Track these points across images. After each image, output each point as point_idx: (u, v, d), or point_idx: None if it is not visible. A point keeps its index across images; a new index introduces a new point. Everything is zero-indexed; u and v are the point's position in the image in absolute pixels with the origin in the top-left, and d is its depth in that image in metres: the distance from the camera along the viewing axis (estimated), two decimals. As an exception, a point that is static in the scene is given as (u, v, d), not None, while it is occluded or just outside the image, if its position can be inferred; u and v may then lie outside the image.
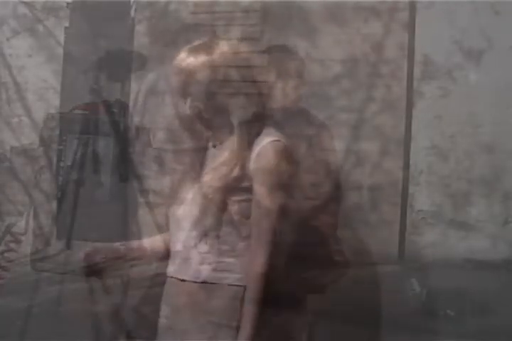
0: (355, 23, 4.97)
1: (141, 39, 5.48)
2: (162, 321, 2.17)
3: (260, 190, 2.01)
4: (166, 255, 2.21)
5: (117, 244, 2.32)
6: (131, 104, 5.41)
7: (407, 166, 4.93)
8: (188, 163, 2.12)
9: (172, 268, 2.13)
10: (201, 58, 2.06)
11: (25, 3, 5.71)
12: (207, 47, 2.08)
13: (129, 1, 5.60)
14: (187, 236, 2.07)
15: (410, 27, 4.89)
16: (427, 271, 4.49)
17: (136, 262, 2.31)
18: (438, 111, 4.91)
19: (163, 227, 2.33)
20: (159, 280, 2.28)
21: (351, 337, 3.65)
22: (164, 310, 2.17)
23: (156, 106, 5.45)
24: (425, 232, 4.92)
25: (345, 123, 4.91)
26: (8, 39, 5.85)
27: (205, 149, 2.11)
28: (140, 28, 5.54)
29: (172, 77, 2.14)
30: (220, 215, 2.02)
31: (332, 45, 4.98)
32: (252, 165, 2.02)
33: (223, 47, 2.09)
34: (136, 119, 5.44)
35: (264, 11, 5.01)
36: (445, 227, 4.87)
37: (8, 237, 5.79)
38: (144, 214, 4.34)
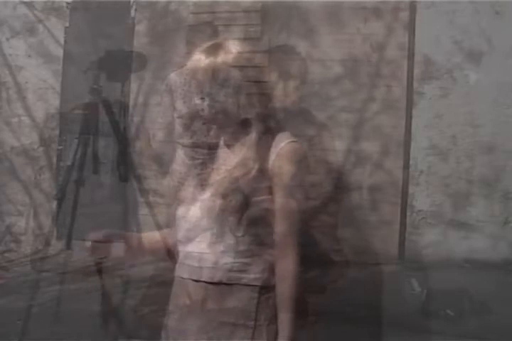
0: (355, 23, 4.98)
1: (141, 39, 5.48)
2: (171, 322, 2.16)
3: (284, 191, 2.00)
4: (163, 252, 2.21)
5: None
6: (131, 104, 5.42)
7: (407, 166, 4.93)
8: (197, 162, 2.11)
9: (183, 269, 2.11)
10: (220, 58, 2.06)
11: (25, 3, 5.72)
12: (223, 47, 2.08)
13: (129, 1, 5.60)
14: (201, 236, 2.06)
15: (410, 27, 4.89)
16: (427, 271, 4.49)
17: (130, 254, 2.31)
18: (438, 111, 4.91)
19: (163, 227, 2.32)
20: (159, 280, 2.27)
21: (351, 337, 3.64)
22: (174, 311, 2.15)
23: (156, 106, 5.46)
24: (425, 232, 4.92)
25: (345, 124, 4.92)
26: (8, 39, 5.85)
27: (215, 148, 2.09)
28: (140, 28, 5.55)
29: (187, 77, 2.13)
30: (236, 216, 2.01)
31: (332, 45, 4.98)
32: (272, 165, 2.01)
33: (239, 47, 2.10)
34: (136, 119, 5.44)
35: (265, 11, 5.02)
36: (445, 227, 4.87)
37: (8, 237, 5.80)
38: (144, 214, 4.34)
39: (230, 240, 2.04)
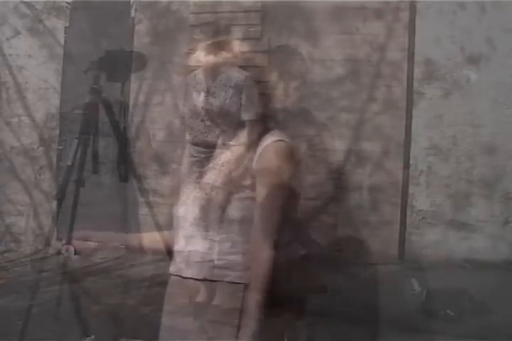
0: (355, 23, 4.98)
1: (141, 39, 5.48)
2: (164, 320, 2.18)
3: (262, 189, 2.03)
4: (163, 252, 2.23)
5: (114, 234, 2.36)
6: (131, 104, 5.42)
7: (407, 166, 4.93)
8: (194, 160, 2.13)
9: (174, 267, 2.13)
10: (221, 57, 2.08)
11: (25, 3, 5.72)
12: (224, 46, 2.10)
13: (129, 1, 5.60)
14: (189, 234, 2.09)
15: (410, 27, 4.89)
16: (427, 271, 4.49)
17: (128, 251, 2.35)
18: (438, 111, 4.91)
19: (163, 227, 2.33)
20: (159, 280, 2.28)
21: (351, 337, 3.65)
22: (166, 309, 2.17)
23: (156, 106, 5.46)
24: (425, 232, 4.91)
25: (345, 124, 4.92)
26: (8, 39, 5.85)
27: (213, 147, 2.11)
28: (140, 28, 5.55)
29: (188, 75, 2.14)
30: (222, 213, 2.04)
31: (332, 46, 4.98)
32: (255, 164, 2.04)
33: (240, 47, 2.12)
34: (136, 119, 5.44)
35: (265, 11, 5.02)
36: (445, 227, 4.87)
37: (8, 237, 5.80)
38: (144, 214, 4.35)
39: (215, 237, 2.06)
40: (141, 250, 2.33)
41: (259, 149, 2.06)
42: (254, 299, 2.01)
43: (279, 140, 2.07)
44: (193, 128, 2.11)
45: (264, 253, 2.02)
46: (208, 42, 2.15)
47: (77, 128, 4.19)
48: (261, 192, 2.04)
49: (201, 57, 2.10)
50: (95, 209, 4.66)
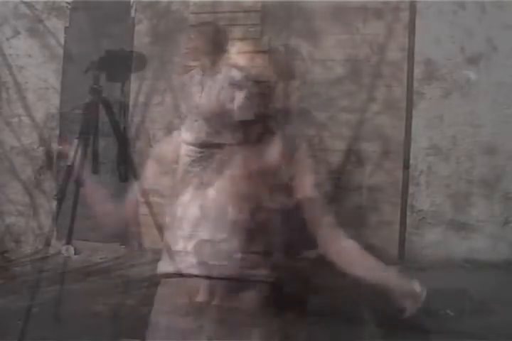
0: (355, 23, 4.98)
1: (141, 39, 5.49)
2: (162, 321, 2.16)
3: (310, 189, 2.07)
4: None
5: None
6: (131, 104, 5.42)
7: (407, 166, 4.93)
8: (196, 160, 2.13)
9: (174, 266, 2.12)
10: (223, 58, 2.10)
11: (25, 3, 5.72)
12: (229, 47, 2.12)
13: (129, 1, 5.61)
14: (187, 234, 2.08)
15: (410, 27, 4.89)
16: (427, 271, 4.49)
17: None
18: (438, 112, 4.92)
19: (163, 227, 2.33)
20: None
21: (351, 337, 3.64)
22: (164, 310, 2.16)
23: (156, 106, 5.46)
24: (425, 232, 4.92)
25: (346, 124, 4.92)
26: (8, 39, 5.85)
27: (212, 147, 2.11)
28: (140, 28, 5.55)
29: (190, 75, 2.16)
30: (221, 213, 2.03)
31: (332, 46, 4.98)
32: (287, 165, 2.05)
33: (241, 48, 2.13)
34: (136, 119, 5.44)
35: (265, 11, 5.02)
36: (445, 227, 4.87)
37: (8, 237, 5.80)
38: (143, 214, 4.33)
39: (214, 237, 2.05)
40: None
41: (287, 151, 2.07)
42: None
43: (303, 142, 2.10)
44: (190, 128, 2.11)
45: (349, 241, 2.12)
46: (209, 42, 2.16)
47: (77, 128, 4.20)
48: (309, 192, 2.06)
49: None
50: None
